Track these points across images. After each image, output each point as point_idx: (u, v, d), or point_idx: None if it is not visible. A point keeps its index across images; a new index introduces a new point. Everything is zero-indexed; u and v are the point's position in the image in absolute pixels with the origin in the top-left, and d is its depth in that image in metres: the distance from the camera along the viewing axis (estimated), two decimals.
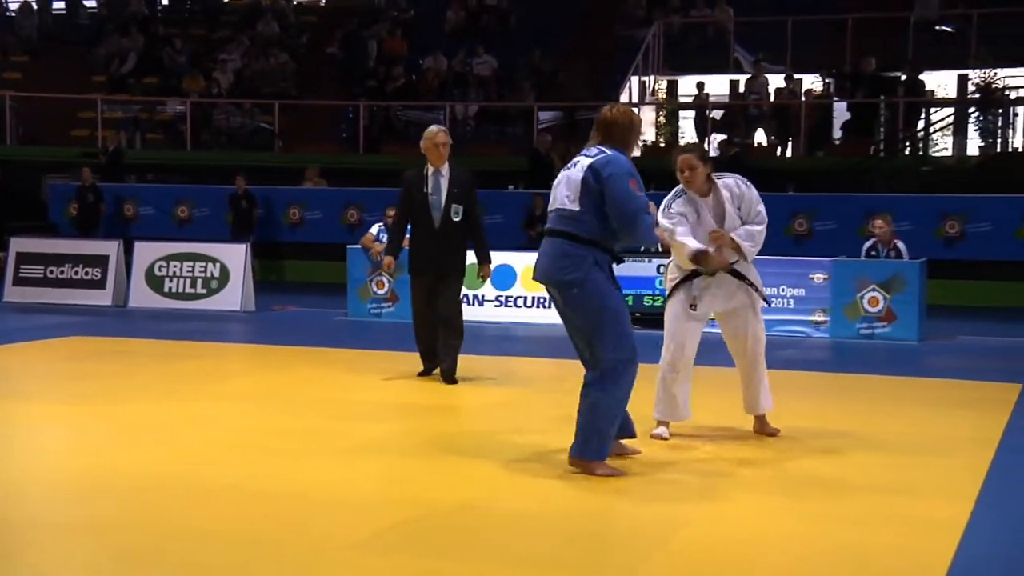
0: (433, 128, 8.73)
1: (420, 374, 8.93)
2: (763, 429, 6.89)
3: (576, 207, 5.69)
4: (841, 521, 5.07)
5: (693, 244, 6.46)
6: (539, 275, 5.90)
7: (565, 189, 5.75)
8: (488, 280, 9.07)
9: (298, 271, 19.37)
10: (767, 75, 20.68)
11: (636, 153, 6.45)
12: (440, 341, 8.69)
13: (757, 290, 6.71)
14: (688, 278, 6.63)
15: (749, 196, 6.63)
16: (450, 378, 8.66)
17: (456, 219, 8.56)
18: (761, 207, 6.64)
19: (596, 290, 5.65)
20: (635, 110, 6.47)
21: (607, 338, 5.65)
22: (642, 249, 12.02)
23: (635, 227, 5.64)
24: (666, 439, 6.61)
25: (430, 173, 8.58)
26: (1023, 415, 7.82)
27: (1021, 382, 9.15)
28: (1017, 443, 6.88)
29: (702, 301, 6.61)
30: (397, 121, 21.80)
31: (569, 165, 5.83)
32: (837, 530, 4.94)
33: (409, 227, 8.86)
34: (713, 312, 6.75)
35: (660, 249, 6.93)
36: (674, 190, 6.65)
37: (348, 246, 13.93)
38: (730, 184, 6.63)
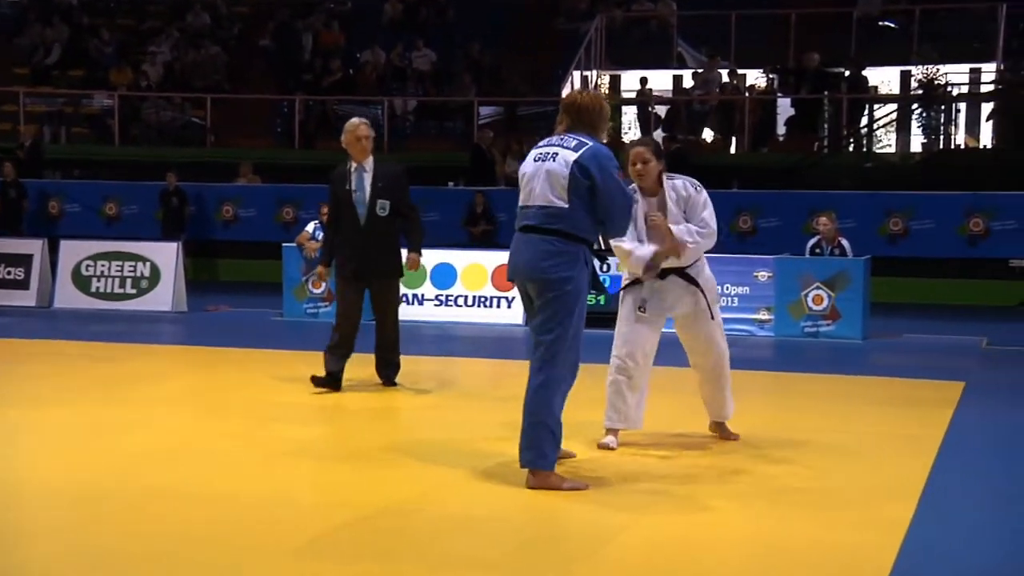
0: (354, 121, 8.51)
1: (317, 381, 8.32)
2: (723, 434, 6.88)
3: (564, 204, 5.56)
4: (786, 522, 5.15)
5: (641, 251, 6.35)
6: (519, 272, 5.68)
7: (546, 184, 5.60)
8: (415, 270, 8.74)
9: (232, 270, 19.20)
10: (708, 70, 20.86)
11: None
12: (377, 355, 8.54)
13: (708, 296, 6.57)
14: (639, 280, 6.53)
15: (696, 200, 6.45)
16: (391, 379, 8.67)
17: (383, 215, 8.31)
18: (708, 215, 6.43)
19: (577, 293, 5.57)
20: (600, 94, 6.33)
21: (565, 341, 5.54)
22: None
23: (625, 221, 5.69)
24: (613, 449, 6.43)
25: (353, 169, 8.38)
26: (966, 413, 7.99)
27: (964, 380, 9.34)
28: (960, 441, 7.02)
29: (651, 304, 6.49)
30: (334, 116, 21.70)
31: (542, 156, 5.67)
32: (782, 531, 5.01)
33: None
34: (670, 316, 6.64)
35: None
36: None
37: (283, 244, 13.87)
38: (678, 185, 6.49)
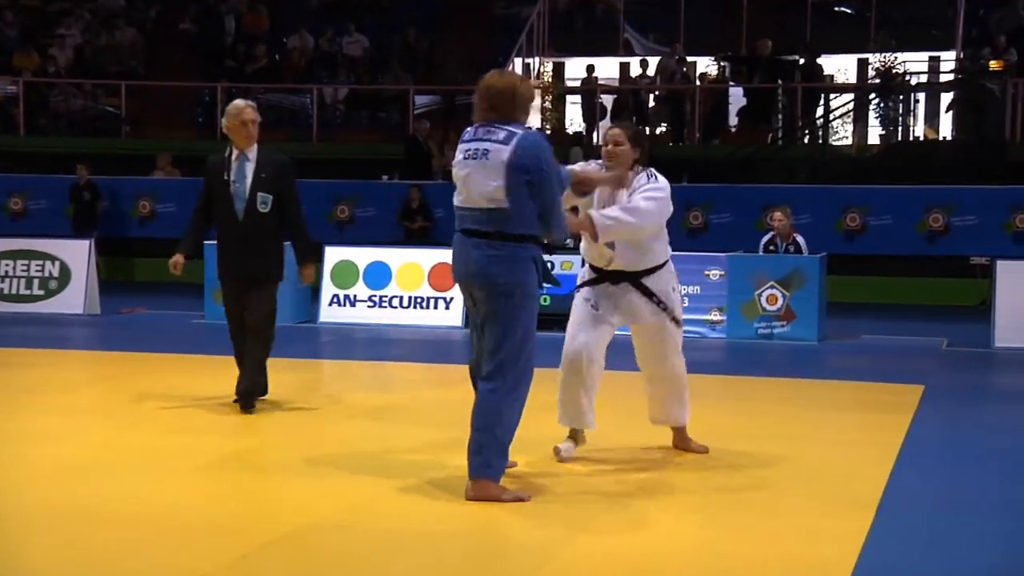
0: (238, 103, 7.99)
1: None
2: (687, 446, 6.77)
3: (505, 204, 5.51)
4: (737, 536, 5.19)
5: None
6: (466, 277, 5.66)
7: (483, 184, 5.52)
8: (311, 283, 8.47)
9: (149, 270, 18.97)
10: (659, 58, 20.97)
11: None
12: (245, 355, 7.92)
13: (666, 310, 6.51)
14: (595, 281, 6.51)
15: (640, 185, 6.33)
16: (248, 403, 7.81)
17: (264, 210, 7.82)
18: (643, 199, 6.26)
19: (526, 297, 5.56)
20: (520, 75, 6.37)
21: (514, 346, 5.54)
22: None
23: (554, 219, 5.62)
24: (566, 458, 6.44)
25: (234, 157, 7.86)
26: (925, 418, 8.10)
27: (923, 383, 9.48)
28: (918, 448, 7.12)
29: (602, 305, 6.47)
30: (260, 105, 21.53)
31: (473, 154, 5.58)
32: (733, 546, 5.05)
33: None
34: (625, 323, 6.60)
35: (572, 244, 6.84)
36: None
37: (204, 242, 13.72)
38: (641, 174, 6.41)
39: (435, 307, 13.22)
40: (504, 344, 5.56)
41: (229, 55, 22.21)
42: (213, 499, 5.77)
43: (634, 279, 6.48)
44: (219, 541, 4.98)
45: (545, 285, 5.72)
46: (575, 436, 6.58)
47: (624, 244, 6.41)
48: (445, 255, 13.19)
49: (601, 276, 6.51)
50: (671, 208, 6.46)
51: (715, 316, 12.43)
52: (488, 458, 5.56)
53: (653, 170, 6.47)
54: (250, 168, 7.85)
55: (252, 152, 7.88)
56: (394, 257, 13.60)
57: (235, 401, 7.86)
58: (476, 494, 5.55)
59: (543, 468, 6.30)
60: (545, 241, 5.77)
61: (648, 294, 6.49)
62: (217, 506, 5.64)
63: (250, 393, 7.82)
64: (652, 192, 6.32)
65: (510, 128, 5.57)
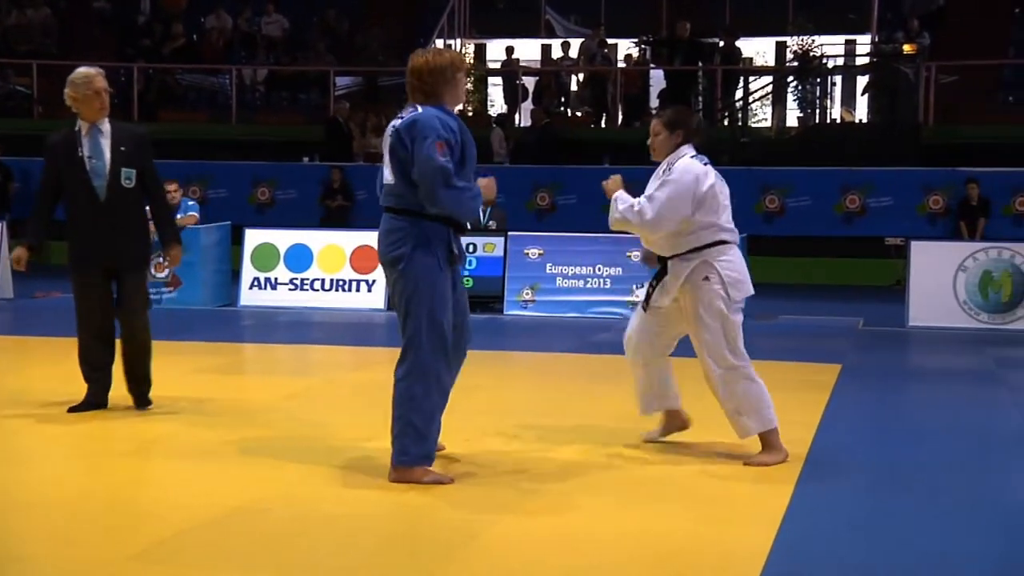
0: (88, 71, 7.14)
1: (75, 408, 7.17)
2: (752, 461, 6.21)
3: (391, 177, 5.60)
4: (657, 517, 5.23)
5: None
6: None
7: (385, 160, 5.66)
8: (178, 266, 7.97)
9: (63, 253, 18.62)
10: (580, 40, 21.02)
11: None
12: (125, 363, 7.28)
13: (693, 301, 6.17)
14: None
15: (663, 176, 6.18)
16: (144, 400, 7.35)
17: (129, 185, 7.10)
18: (657, 191, 6.12)
19: (414, 272, 5.53)
20: (436, 49, 6.22)
21: (415, 329, 5.53)
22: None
23: (430, 194, 5.45)
24: (650, 438, 6.53)
25: (84, 132, 7.11)
26: (843, 396, 8.24)
27: (840, 362, 9.64)
28: (835, 426, 7.24)
29: (657, 289, 6.32)
30: (177, 86, 21.24)
31: (389, 132, 5.70)
32: (653, 527, 5.10)
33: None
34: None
35: (484, 225, 6.73)
36: None
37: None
38: (678, 158, 6.21)
39: (357, 290, 13.16)
40: (406, 326, 5.57)
41: (145, 34, 21.86)
42: (129, 485, 5.70)
43: (665, 263, 6.33)
44: (137, 526, 4.93)
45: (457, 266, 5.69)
46: (667, 421, 6.57)
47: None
48: (366, 238, 13.21)
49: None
50: (688, 201, 6.11)
51: (637, 297, 12.50)
52: (405, 445, 5.54)
53: (690, 160, 6.18)
54: (106, 142, 7.10)
55: (105, 125, 7.13)
56: (315, 240, 13.50)
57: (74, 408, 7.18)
58: (397, 477, 5.57)
59: (472, 450, 6.30)
60: (465, 223, 5.74)
61: (677, 276, 6.23)
62: (133, 492, 5.58)
63: (144, 386, 7.32)
64: (670, 188, 6.13)
65: (416, 107, 5.63)
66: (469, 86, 21.47)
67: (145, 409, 7.26)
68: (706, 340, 6.14)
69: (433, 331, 5.54)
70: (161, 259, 12.80)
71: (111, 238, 7.06)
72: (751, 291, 6.28)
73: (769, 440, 6.18)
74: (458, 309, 5.77)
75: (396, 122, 5.65)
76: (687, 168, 6.15)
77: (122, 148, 7.11)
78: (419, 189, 5.52)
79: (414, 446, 5.56)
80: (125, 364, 7.30)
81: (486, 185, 5.83)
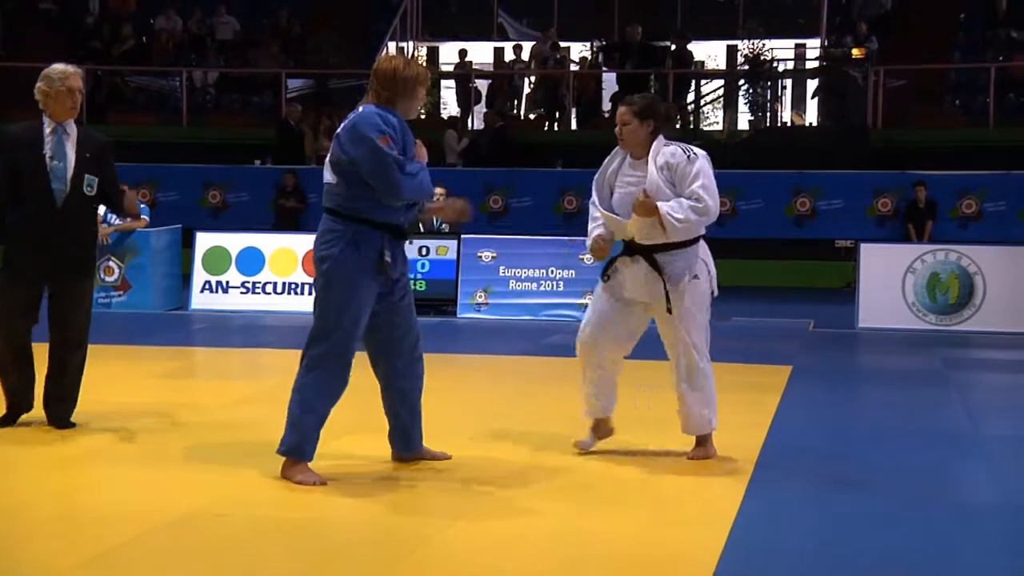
0: (64, 68, 6.75)
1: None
2: (698, 454, 6.28)
3: (332, 178, 5.67)
4: (609, 520, 5.25)
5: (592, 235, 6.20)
6: None
7: (327, 160, 5.75)
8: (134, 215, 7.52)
9: None
10: (533, 43, 21.06)
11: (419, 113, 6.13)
12: (51, 374, 6.78)
13: (667, 290, 6.02)
14: (619, 255, 6.21)
15: (685, 170, 5.96)
16: (67, 421, 6.81)
17: (90, 193, 6.73)
18: (701, 187, 5.92)
19: (335, 273, 5.61)
20: (408, 59, 6.12)
21: (321, 325, 5.67)
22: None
23: (392, 186, 5.51)
24: (585, 448, 6.34)
25: (49, 130, 6.67)
26: (793, 397, 8.31)
27: (791, 364, 9.72)
28: (786, 426, 7.30)
29: (615, 279, 6.17)
30: (126, 88, 21.05)
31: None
32: (604, 529, 5.12)
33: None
34: (630, 301, 6.19)
35: (437, 228, 6.68)
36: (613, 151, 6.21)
37: None
38: (668, 151, 6.02)
39: (309, 293, 13.04)
40: (314, 321, 5.69)
41: (94, 36, 21.65)
42: (77, 491, 5.65)
43: (647, 253, 6.08)
44: (85, 534, 4.88)
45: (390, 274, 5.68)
46: (596, 427, 6.40)
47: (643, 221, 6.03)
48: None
49: (624, 247, 6.21)
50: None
51: (589, 299, 12.52)
52: (284, 434, 5.70)
53: (682, 145, 6.06)
54: (71, 145, 6.68)
55: (71, 127, 6.73)
56: (267, 243, 13.44)
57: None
58: (281, 471, 5.69)
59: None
60: (397, 221, 5.66)
61: (657, 269, 6.05)
62: (81, 499, 5.52)
63: (67, 406, 6.82)
64: (705, 177, 5.99)
65: (358, 109, 5.70)
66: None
67: (72, 428, 6.76)
68: (695, 337, 6.12)
69: (337, 333, 5.62)
70: (110, 262, 12.72)
71: (62, 245, 6.65)
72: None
73: (709, 438, 6.33)
74: (400, 321, 5.83)
75: (341, 126, 5.73)
76: (697, 151, 6.06)
77: (87, 154, 6.73)
78: (373, 183, 5.54)
79: (289, 435, 5.69)
80: (50, 381, 6.79)
81: (461, 208, 6.14)
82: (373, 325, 5.77)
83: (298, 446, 5.67)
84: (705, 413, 6.24)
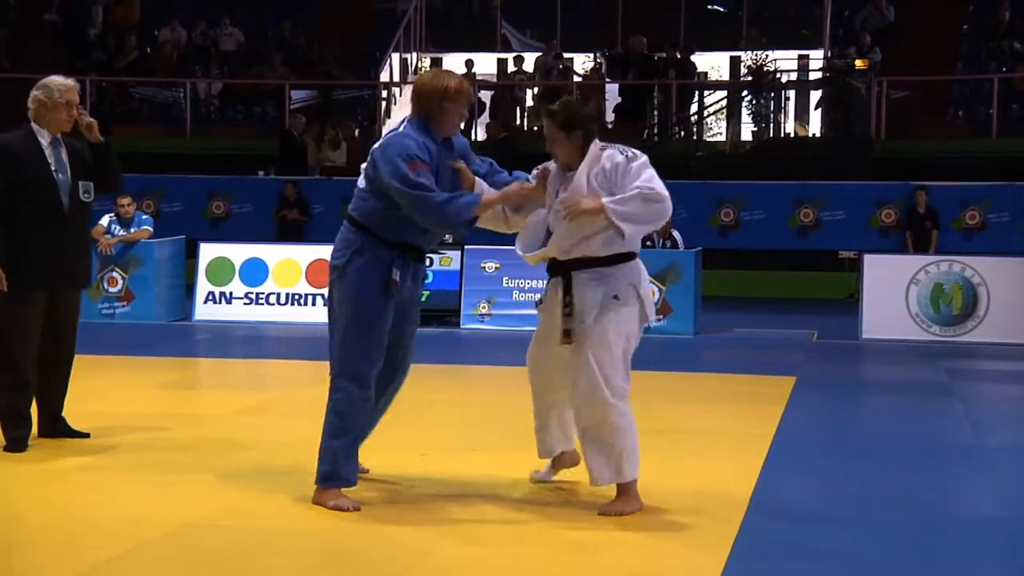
0: (65, 80, 6.75)
1: (14, 446, 6.50)
2: (606, 510, 5.36)
3: (363, 184, 5.47)
4: (612, 530, 5.23)
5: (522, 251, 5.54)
6: None
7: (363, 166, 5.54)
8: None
9: None
10: (537, 54, 21.08)
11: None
12: (48, 384, 6.72)
13: (568, 314, 5.29)
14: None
15: (626, 167, 5.25)
16: (67, 428, 6.84)
17: (87, 200, 6.74)
18: (648, 180, 5.21)
19: (348, 287, 5.39)
20: (442, 72, 5.69)
21: (340, 345, 5.44)
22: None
23: (423, 210, 5.25)
24: (537, 479, 5.80)
25: (47, 143, 6.63)
26: (797, 408, 8.29)
27: (794, 375, 9.70)
28: (790, 438, 7.28)
29: (545, 302, 5.53)
30: (131, 99, 21.09)
31: None
32: (606, 539, 5.10)
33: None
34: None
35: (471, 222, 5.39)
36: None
37: None
38: (606, 155, 5.32)
39: (312, 304, 13.09)
40: (337, 335, 5.46)
41: (98, 47, 21.69)
42: (77, 501, 5.63)
43: (564, 271, 5.37)
44: (83, 544, 4.86)
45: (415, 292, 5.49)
46: (554, 460, 5.77)
47: (568, 229, 5.29)
48: (322, 252, 13.12)
49: (548, 267, 5.50)
50: None
51: None
52: (319, 463, 5.46)
53: (620, 147, 5.33)
54: (65, 155, 6.68)
55: (60, 138, 6.72)
56: (271, 254, 13.43)
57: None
58: (314, 497, 5.46)
59: (428, 465, 6.28)
60: (413, 242, 5.43)
61: (566, 291, 5.31)
62: (81, 509, 5.50)
63: (60, 418, 6.80)
64: (650, 172, 5.26)
65: (402, 127, 5.46)
66: None
67: (85, 438, 6.76)
68: (606, 367, 5.26)
69: (355, 351, 5.40)
70: (113, 273, 12.71)
71: (68, 256, 6.65)
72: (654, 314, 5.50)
73: (627, 488, 5.40)
74: (397, 342, 5.56)
75: (377, 143, 5.51)
76: (638, 152, 5.34)
77: (78, 161, 6.74)
78: (405, 209, 5.31)
79: (323, 464, 5.46)
80: (53, 391, 6.75)
81: (515, 191, 5.44)
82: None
83: (331, 475, 5.44)
84: (604, 463, 5.31)
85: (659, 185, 5.22)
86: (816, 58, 21.22)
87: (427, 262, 5.75)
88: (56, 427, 6.77)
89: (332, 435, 5.45)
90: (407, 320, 5.61)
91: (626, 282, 5.31)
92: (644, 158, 5.32)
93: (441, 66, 22.60)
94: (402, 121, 5.56)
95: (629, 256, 5.34)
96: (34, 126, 6.65)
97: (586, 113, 5.45)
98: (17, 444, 6.47)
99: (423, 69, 22.05)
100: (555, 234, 5.35)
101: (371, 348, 5.42)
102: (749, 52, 20.10)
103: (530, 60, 20.91)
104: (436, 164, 5.40)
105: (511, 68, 21.37)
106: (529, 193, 5.46)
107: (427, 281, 12.17)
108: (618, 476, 5.32)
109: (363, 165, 5.54)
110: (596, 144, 5.36)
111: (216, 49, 21.60)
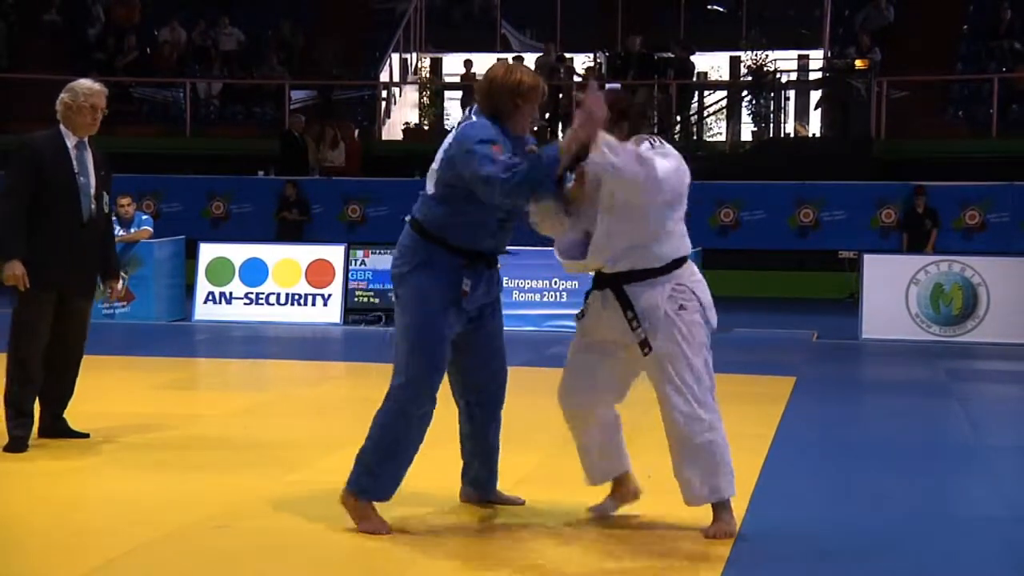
0: (93, 83, 6.77)
1: (14, 446, 6.46)
2: (709, 532, 5.05)
3: (431, 189, 5.08)
4: (613, 531, 5.23)
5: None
6: None
7: (431, 169, 5.15)
8: (116, 297, 7.18)
9: None
10: (537, 54, 21.07)
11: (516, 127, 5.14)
12: (55, 388, 6.73)
13: (637, 327, 4.95)
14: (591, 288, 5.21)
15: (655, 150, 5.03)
16: (67, 428, 6.81)
17: (107, 210, 6.84)
18: (661, 154, 4.98)
19: (410, 296, 5.07)
20: (514, 66, 5.28)
21: (399, 355, 5.10)
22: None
23: (493, 184, 4.80)
24: (599, 513, 5.36)
25: (72, 145, 6.63)
26: (797, 409, 8.29)
27: (795, 375, 9.70)
28: (791, 438, 7.28)
29: (587, 318, 5.20)
30: (130, 99, 21.09)
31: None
32: (607, 541, 5.09)
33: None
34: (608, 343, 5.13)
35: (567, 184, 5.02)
36: None
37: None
38: (642, 147, 5.05)
39: (312, 304, 13.10)
40: (397, 347, 5.12)
41: (98, 47, 21.69)
42: (77, 502, 5.63)
43: (615, 284, 5.06)
44: (84, 545, 4.86)
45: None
46: (614, 490, 5.39)
47: (607, 233, 4.96)
48: (322, 252, 13.18)
49: (593, 279, 5.20)
50: (687, 181, 5.09)
51: None
52: (355, 470, 5.11)
53: (657, 138, 5.16)
54: (90, 161, 6.68)
55: (88, 143, 6.75)
56: (271, 254, 13.43)
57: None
58: (345, 504, 5.14)
59: (425, 466, 6.28)
60: (482, 251, 5.09)
61: (626, 306, 5.01)
62: (82, 509, 5.51)
63: (63, 421, 6.80)
64: (665, 152, 5.04)
65: (475, 118, 5.09)
66: (426, 100, 21.46)
67: (85, 438, 6.77)
68: (687, 377, 5.02)
69: (413, 364, 5.04)
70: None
71: (85, 262, 6.64)
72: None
73: (723, 507, 5.11)
74: (482, 353, 5.27)
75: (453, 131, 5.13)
76: (666, 145, 5.11)
77: (101, 172, 6.75)
78: (477, 189, 4.93)
79: (360, 476, 5.10)
80: (60, 395, 6.77)
81: (593, 103, 4.82)
82: (453, 347, 5.16)
83: (366, 490, 5.09)
84: (705, 482, 5.04)
85: (662, 164, 4.90)
86: (816, 58, 21.24)
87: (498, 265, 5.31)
88: (56, 427, 6.77)
89: (373, 447, 5.10)
90: (485, 328, 5.26)
91: (686, 289, 5.05)
92: (668, 148, 5.07)
93: (441, 66, 22.67)
94: (469, 110, 5.20)
95: (682, 261, 5.08)
96: (62, 127, 6.68)
97: (634, 105, 5.28)
98: (17, 444, 6.47)
99: (423, 69, 22.08)
100: (595, 243, 4.99)
101: (435, 362, 5.08)
102: (749, 52, 20.11)
103: (530, 60, 20.89)
104: (504, 149, 4.96)
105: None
106: (592, 121, 4.82)
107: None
108: (714, 494, 5.02)
109: (433, 166, 5.11)
110: (648, 138, 5.10)
111: (216, 49, 21.60)
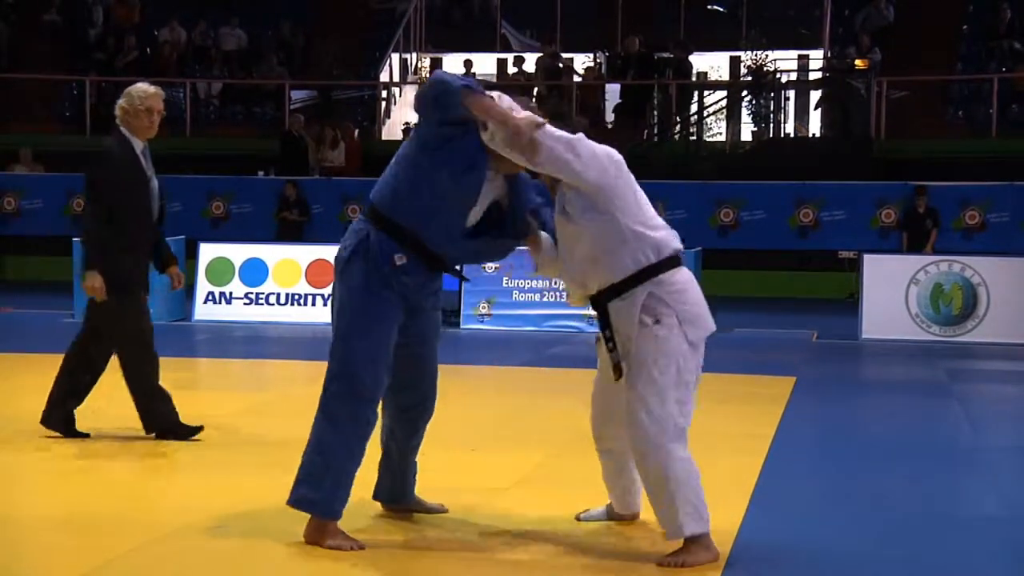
0: (149, 88, 6.87)
1: (181, 436, 6.81)
2: (668, 561, 4.67)
3: (388, 171, 4.88)
4: (614, 532, 5.23)
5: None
6: None
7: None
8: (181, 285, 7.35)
9: (16, 268, 18.46)
10: (537, 54, 21.09)
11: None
12: (92, 376, 7.05)
13: (612, 349, 4.74)
14: None
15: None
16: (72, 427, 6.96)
17: (158, 213, 7.05)
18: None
19: (354, 277, 4.76)
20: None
21: (332, 352, 4.81)
22: None
23: (434, 88, 4.63)
24: (586, 518, 5.23)
25: (139, 149, 6.80)
26: (797, 409, 8.29)
27: (795, 375, 9.70)
28: (791, 438, 7.29)
29: (599, 341, 4.94)
30: None
31: None
32: (609, 541, 5.10)
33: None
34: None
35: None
36: None
37: (74, 239, 13.40)
38: None
39: (312, 304, 13.10)
40: (332, 342, 4.84)
41: (98, 47, 21.69)
42: (79, 502, 5.63)
43: (598, 305, 4.78)
44: (85, 545, 4.86)
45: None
46: (610, 510, 5.26)
47: (567, 249, 4.79)
48: (322, 251, 13.16)
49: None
50: (623, 178, 4.72)
51: (592, 311, 12.52)
52: (297, 480, 4.80)
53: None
54: (150, 164, 6.87)
55: (147, 146, 6.92)
56: (271, 254, 13.44)
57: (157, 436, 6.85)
58: (306, 532, 4.83)
59: (425, 465, 6.28)
60: (439, 253, 4.84)
61: (604, 325, 4.74)
62: (83, 509, 5.50)
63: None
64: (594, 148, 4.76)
65: None
66: None
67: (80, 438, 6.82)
68: (651, 402, 4.62)
69: (349, 360, 4.75)
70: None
71: (146, 261, 6.98)
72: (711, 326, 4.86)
73: (699, 539, 4.69)
74: (413, 362, 4.97)
75: None
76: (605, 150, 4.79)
77: (156, 173, 6.95)
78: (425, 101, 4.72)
79: (304, 488, 4.78)
80: (88, 387, 7.06)
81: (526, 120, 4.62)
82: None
83: (307, 499, 4.79)
84: (665, 518, 4.68)
85: (580, 150, 4.63)
86: (816, 58, 21.23)
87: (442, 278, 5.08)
88: (67, 423, 6.85)
89: (316, 447, 4.77)
90: (420, 335, 4.96)
91: (658, 300, 4.66)
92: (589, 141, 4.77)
93: (441, 66, 22.63)
94: None
95: (654, 269, 4.70)
96: (125, 132, 6.82)
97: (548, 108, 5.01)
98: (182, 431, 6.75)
99: (423, 69, 22.07)
100: (565, 271, 4.89)
101: (373, 351, 4.74)
102: (749, 52, 20.10)
103: (530, 60, 20.90)
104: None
105: (511, 68, 21.38)
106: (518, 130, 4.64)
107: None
108: (678, 531, 4.63)
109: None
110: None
111: (216, 49, 21.60)
